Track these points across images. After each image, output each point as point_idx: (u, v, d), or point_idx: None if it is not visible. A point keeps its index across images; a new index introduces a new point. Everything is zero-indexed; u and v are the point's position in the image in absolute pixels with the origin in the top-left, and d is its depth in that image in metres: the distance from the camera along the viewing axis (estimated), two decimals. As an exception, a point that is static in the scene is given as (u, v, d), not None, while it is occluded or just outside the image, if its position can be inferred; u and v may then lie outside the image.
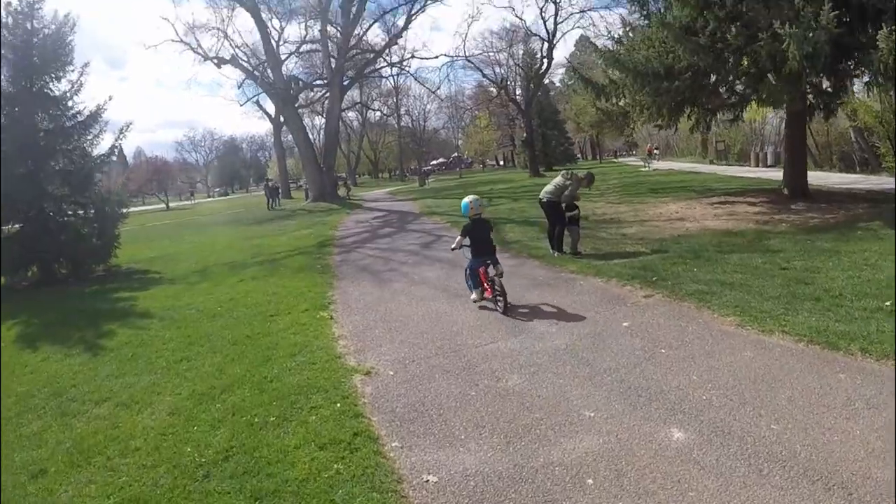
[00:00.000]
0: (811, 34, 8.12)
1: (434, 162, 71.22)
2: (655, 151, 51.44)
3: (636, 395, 3.52)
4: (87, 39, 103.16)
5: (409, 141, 66.62)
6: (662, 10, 11.82)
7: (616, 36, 14.26)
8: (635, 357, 4.15)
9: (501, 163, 76.64)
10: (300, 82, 30.87)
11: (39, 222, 10.89)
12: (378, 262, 9.71)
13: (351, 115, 60.92)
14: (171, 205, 51.46)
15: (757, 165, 25.84)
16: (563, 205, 7.94)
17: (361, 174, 68.38)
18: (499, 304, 5.58)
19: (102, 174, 13.19)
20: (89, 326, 6.82)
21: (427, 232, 13.43)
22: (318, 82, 34.02)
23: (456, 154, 71.03)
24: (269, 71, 29.46)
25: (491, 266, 5.70)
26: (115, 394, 4.44)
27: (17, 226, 11.10)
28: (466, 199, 5.82)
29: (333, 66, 29.86)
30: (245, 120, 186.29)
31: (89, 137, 11.57)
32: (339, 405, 3.76)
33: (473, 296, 5.88)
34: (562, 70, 51.34)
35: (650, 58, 10.87)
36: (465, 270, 6.03)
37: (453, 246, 5.86)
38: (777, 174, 19.92)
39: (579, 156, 61.09)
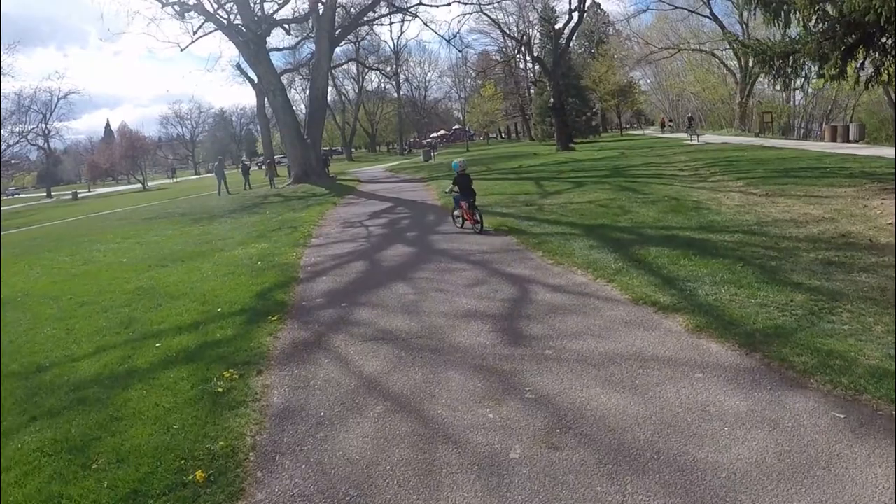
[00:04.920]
0: None
1: (435, 134, 64.58)
2: (670, 124, 45.85)
3: None
4: (84, 12, 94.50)
5: (409, 111, 60.50)
6: None
7: None
8: None
9: (504, 135, 70.30)
10: (271, 20, 23.92)
11: None
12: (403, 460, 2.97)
13: (347, 85, 55.30)
14: (150, 184, 47.72)
15: (834, 140, 21.98)
16: None
17: (358, 147, 62.17)
18: (476, 226, 8.52)
19: None
20: None
21: (482, 262, 6.86)
22: (298, 25, 27.27)
23: (458, 126, 64.39)
24: (235, 14, 22.84)
25: (472, 204, 8.56)
26: None
27: None
28: (456, 161, 9.39)
29: (321, 9, 23.38)
30: (236, 91, 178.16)
31: None
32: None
33: (456, 212, 9.10)
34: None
35: None
36: (454, 203, 9.10)
37: (447, 190, 9.39)
38: (872, 150, 16.53)
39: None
